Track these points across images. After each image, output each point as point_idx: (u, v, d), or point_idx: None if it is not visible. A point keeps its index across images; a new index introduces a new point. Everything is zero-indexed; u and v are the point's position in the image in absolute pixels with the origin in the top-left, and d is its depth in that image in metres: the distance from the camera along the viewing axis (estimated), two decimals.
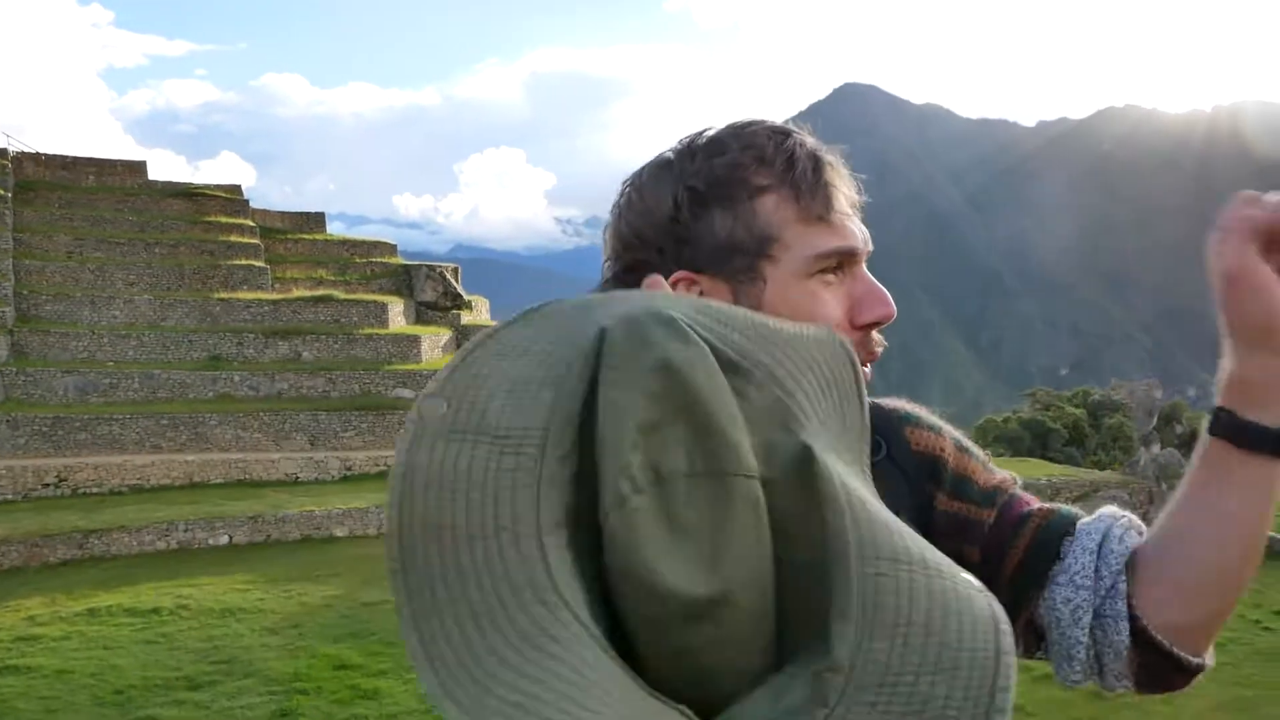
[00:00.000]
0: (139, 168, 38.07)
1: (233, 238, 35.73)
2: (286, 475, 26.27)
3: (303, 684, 13.66)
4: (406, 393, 30.21)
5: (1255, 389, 0.94)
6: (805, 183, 1.04)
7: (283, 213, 40.89)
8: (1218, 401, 0.98)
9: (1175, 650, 1.02)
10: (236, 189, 39.62)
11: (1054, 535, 1.12)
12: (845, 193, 1.09)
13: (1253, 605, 20.06)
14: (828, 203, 1.06)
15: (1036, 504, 1.20)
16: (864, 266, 1.11)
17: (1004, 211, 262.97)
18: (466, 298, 38.69)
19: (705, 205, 1.05)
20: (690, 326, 0.62)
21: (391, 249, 41.20)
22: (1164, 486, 26.03)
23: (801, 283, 1.06)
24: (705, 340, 0.62)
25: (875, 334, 1.10)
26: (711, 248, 1.05)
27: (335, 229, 42.57)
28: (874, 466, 0.92)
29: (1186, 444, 50.68)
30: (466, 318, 37.95)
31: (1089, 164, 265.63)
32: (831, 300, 1.07)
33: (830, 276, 1.07)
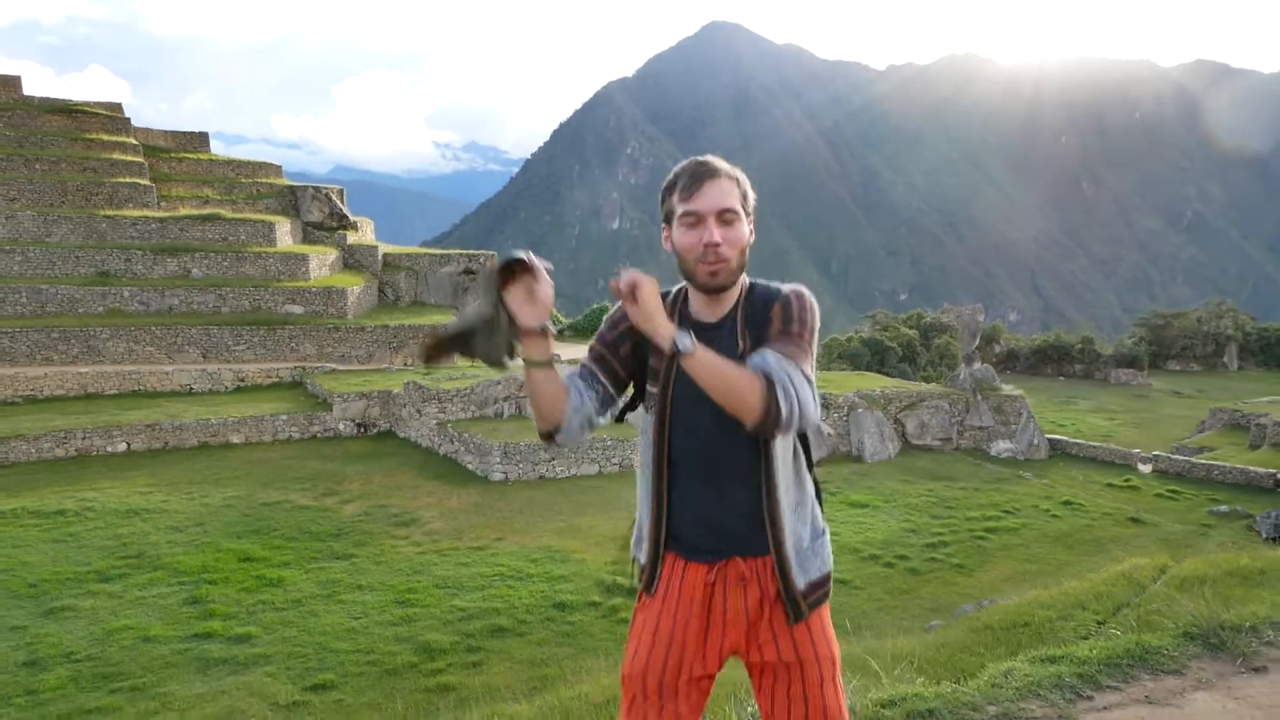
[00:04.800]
0: (13, 82, 35.47)
1: (115, 155, 33.93)
2: (181, 386, 25.78)
3: (211, 575, 13.99)
4: (296, 309, 29.77)
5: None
6: (682, 185, 2.21)
7: (165, 131, 38.87)
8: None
9: None
10: (117, 106, 37.43)
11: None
12: (716, 188, 2.19)
13: (1044, 497, 22.26)
14: (689, 193, 2.19)
15: (765, 353, 2.13)
16: (712, 220, 2.18)
17: (855, 149, 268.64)
18: (352, 219, 37.93)
19: (666, 194, 2.26)
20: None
21: (277, 170, 39.82)
22: (978, 397, 28.19)
23: (678, 227, 2.22)
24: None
25: (718, 250, 2.17)
26: (666, 212, 2.27)
27: (214, 148, 40.72)
28: (760, 320, 2.22)
29: (1003, 361, 54.24)
30: (352, 238, 37.26)
31: (931, 106, 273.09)
32: (690, 235, 2.20)
33: (691, 222, 2.21)
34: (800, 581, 2.27)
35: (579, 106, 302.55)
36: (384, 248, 38.39)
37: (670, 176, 2.25)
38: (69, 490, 18.01)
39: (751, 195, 2.29)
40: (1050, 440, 28.02)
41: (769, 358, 2.08)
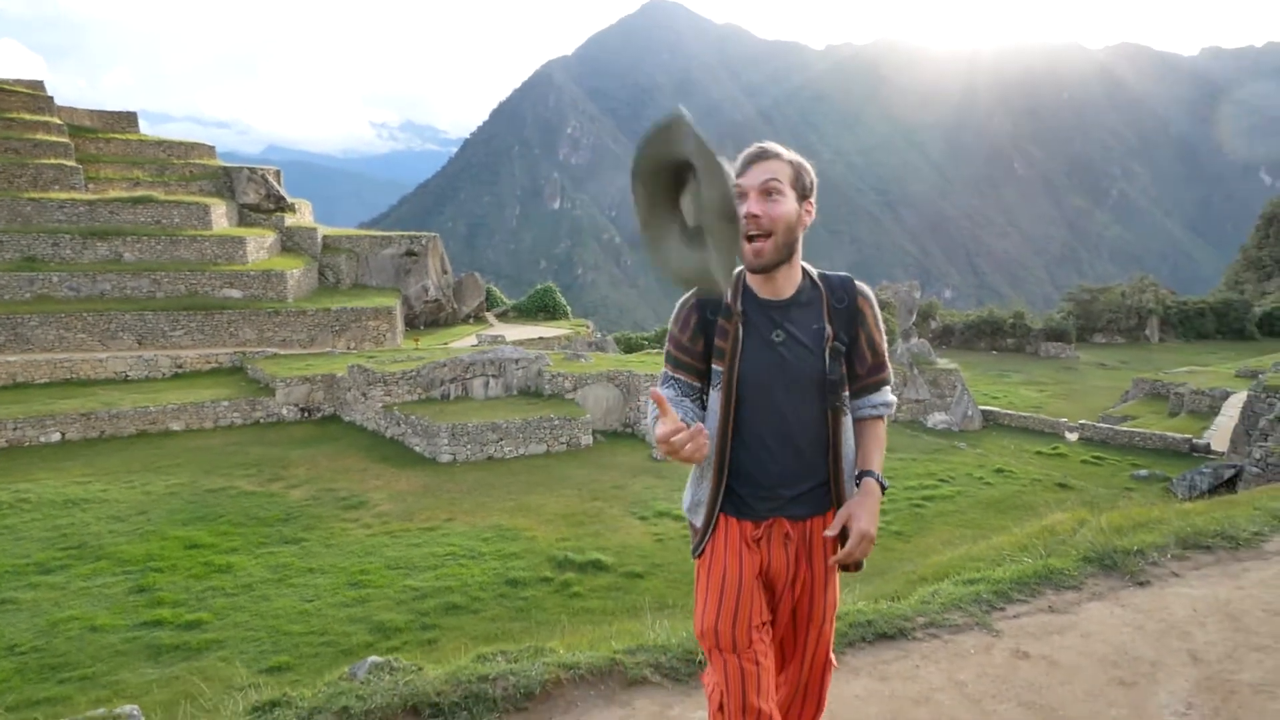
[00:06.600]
0: None
1: (39, 136, 32.87)
2: (115, 374, 25.21)
3: (157, 563, 13.82)
4: (234, 293, 29.28)
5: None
6: (739, 167, 2.39)
7: (91, 111, 37.72)
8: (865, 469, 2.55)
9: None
10: (39, 85, 36.18)
11: (881, 384, 2.62)
12: (765, 167, 2.39)
13: (977, 466, 23.00)
14: (740, 173, 2.39)
15: (886, 370, 2.61)
16: (754, 194, 2.35)
17: (795, 128, 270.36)
18: (290, 200, 37.31)
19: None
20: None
21: (210, 150, 38.92)
22: (915, 370, 28.88)
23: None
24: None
25: (757, 221, 2.34)
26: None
27: (140, 128, 39.55)
28: (842, 309, 2.55)
29: (939, 336, 55.38)
30: (290, 220, 36.67)
31: (868, 87, 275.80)
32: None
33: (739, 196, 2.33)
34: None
35: (518, 85, 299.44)
36: (323, 230, 37.86)
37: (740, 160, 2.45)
38: (1, 482, 17.59)
39: (810, 178, 2.44)
40: (984, 412, 28.84)
41: (889, 398, 2.62)
